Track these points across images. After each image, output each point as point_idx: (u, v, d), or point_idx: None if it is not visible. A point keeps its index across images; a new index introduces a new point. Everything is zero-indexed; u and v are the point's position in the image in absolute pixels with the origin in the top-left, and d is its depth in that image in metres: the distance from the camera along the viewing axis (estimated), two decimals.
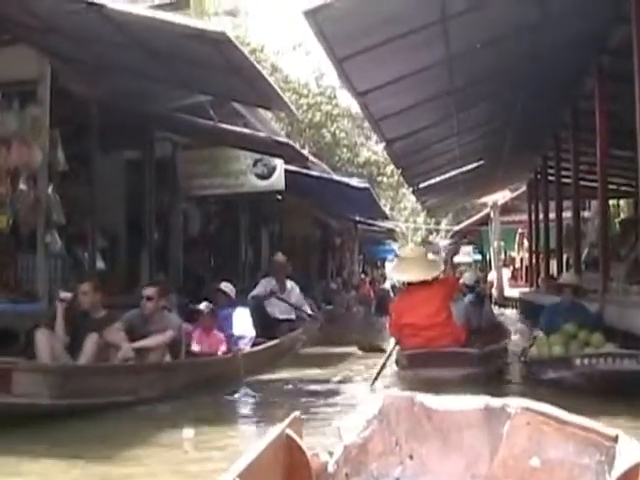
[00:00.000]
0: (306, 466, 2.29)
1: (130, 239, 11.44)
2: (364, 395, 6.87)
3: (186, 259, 12.96)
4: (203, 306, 8.27)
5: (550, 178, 16.96)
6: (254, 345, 8.69)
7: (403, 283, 9.38)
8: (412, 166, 12.83)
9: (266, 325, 9.60)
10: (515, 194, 28.46)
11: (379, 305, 18.19)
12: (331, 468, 2.39)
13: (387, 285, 24.56)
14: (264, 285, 10.37)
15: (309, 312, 10.70)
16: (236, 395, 7.00)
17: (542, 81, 10.33)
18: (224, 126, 8.91)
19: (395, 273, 9.13)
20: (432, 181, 15.14)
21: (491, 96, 10.48)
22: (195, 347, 7.95)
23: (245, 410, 6.84)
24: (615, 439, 2.23)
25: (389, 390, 6.65)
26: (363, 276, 25.05)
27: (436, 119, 10.57)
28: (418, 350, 7.04)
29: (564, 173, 15.31)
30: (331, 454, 2.44)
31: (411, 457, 2.65)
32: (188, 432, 5.44)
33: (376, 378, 7.39)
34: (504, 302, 24.92)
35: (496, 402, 2.66)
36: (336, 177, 15.37)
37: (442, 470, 2.61)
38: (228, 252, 15.50)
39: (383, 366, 7.50)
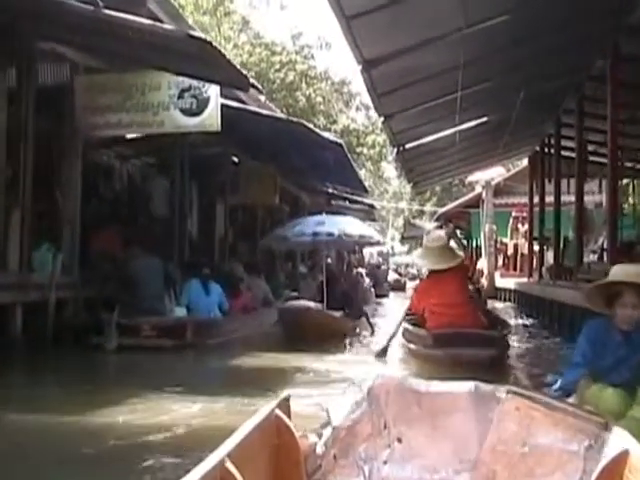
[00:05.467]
0: (294, 447, 2.29)
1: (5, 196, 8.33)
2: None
3: (95, 229, 9.83)
4: None
5: (564, 153, 14.24)
6: None
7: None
8: (398, 113, 9.56)
9: None
10: (509, 174, 26.01)
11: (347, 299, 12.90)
12: (319, 449, 2.38)
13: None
14: None
15: None
16: None
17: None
18: (109, 12, 5.65)
19: (421, 261, 9.34)
20: (422, 140, 11.95)
21: (513, 10, 7.30)
22: None
23: None
24: (604, 426, 2.23)
25: (412, 367, 7.41)
26: (330, 260, 21.71)
27: (436, 32, 7.24)
28: (444, 330, 7.36)
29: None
30: (320, 435, 2.41)
31: (399, 440, 2.63)
32: None
33: (385, 351, 8.17)
34: (494, 293, 22.25)
35: (485, 387, 2.62)
36: (295, 119, 12.03)
37: (430, 454, 2.60)
38: (164, 225, 12.28)
39: (391, 338, 8.32)
